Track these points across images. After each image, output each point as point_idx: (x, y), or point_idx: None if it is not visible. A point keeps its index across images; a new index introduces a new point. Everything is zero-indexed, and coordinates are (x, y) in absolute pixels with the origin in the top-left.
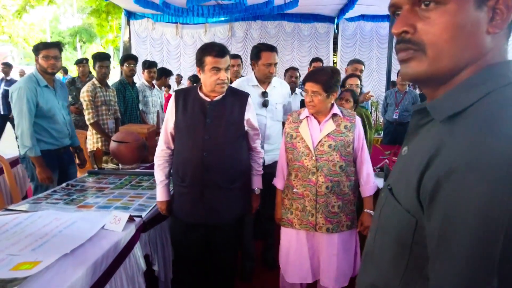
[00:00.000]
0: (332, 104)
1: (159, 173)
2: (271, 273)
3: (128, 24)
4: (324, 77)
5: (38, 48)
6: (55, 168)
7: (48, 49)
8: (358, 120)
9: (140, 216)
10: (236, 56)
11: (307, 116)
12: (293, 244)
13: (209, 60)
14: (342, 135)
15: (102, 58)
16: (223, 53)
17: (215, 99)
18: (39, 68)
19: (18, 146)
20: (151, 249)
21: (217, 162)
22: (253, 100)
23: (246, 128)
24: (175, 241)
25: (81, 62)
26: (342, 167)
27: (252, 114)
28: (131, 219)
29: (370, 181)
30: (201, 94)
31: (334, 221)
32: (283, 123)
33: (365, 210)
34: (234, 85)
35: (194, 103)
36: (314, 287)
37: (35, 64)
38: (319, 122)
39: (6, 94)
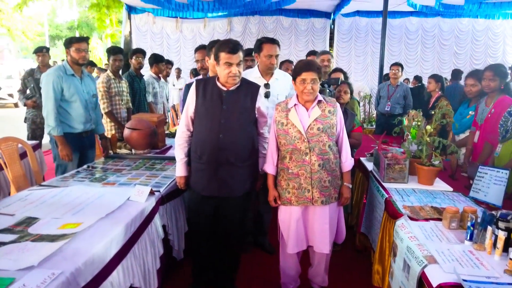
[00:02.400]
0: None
1: (180, 151)
2: (271, 258)
3: (129, 18)
4: (315, 66)
5: (71, 42)
6: (77, 150)
7: (80, 43)
8: (338, 105)
9: (159, 191)
10: (249, 53)
11: (295, 104)
12: (292, 219)
13: (223, 55)
14: (328, 119)
15: (115, 52)
16: (235, 50)
17: (231, 88)
18: (69, 59)
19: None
20: (168, 221)
21: (231, 143)
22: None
23: (256, 114)
24: (190, 211)
25: (40, 51)
26: (330, 146)
27: (262, 103)
28: (151, 192)
29: (348, 158)
30: (218, 84)
31: (326, 194)
32: None
33: (344, 184)
34: None
35: (213, 91)
36: (307, 261)
37: (66, 56)
38: (307, 109)
39: None
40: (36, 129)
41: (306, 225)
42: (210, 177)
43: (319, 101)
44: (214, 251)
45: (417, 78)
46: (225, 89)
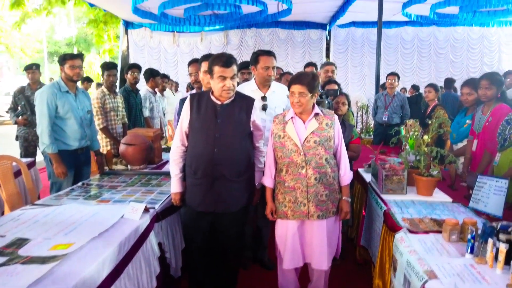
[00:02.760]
0: (314, 105)
1: (175, 167)
2: (270, 274)
3: (126, 33)
4: (307, 79)
5: (65, 59)
6: (72, 167)
7: (74, 60)
8: (336, 118)
9: (154, 208)
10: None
11: (292, 117)
12: (288, 234)
13: (217, 69)
14: (325, 131)
15: (109, 67)
16: (229, 63)
17: (225, 102)
18: (64, 76)
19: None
20: (164, 238)
21: (226, 157)
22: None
23: (251, 128)
24: (185, 227)
25: (30, 68)
26: (327, 159)
27: (257, 116)
28: (146, 209)
29: (347, 171)
30: (213, 98)
31: (323, 209)
32: None
33: (343, 198)
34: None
35: (207, 105)
36: (306, 277)
37: (60, 73)
38: (303, 121)
39: None
40: (28, 147)
41: (303, 241)
42: (205, 192)
43: (316, 114)
44: (211, 267)
45: (415, 87)
46: (219, 103)
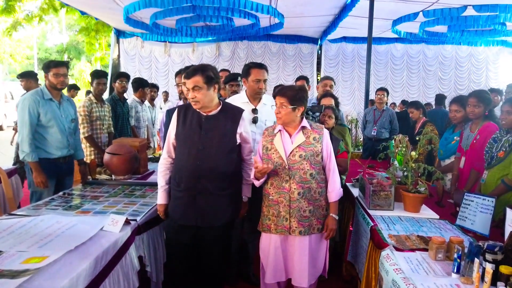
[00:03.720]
0: (302, 118)
1: (161, 179)
2: None
3: (118, 42)
4: (290, 92)
5: (49, 66)
6: (53, 176)
7: (58, 68)
8: (326, 132)
9: (135, 220)
10: (234, 78)
11: (280, 130)
12: (270, 248)
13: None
14: (311, 146)
15: (99, 76)
16: (189, 75)
17: (210, 113)
18: (48, 84)
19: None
20: (145, 251)
21: (209, 170)
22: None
23: (239, 140)
24: (168, 239)
25: (22, 77)
26: (313, 174)
27: (245, 128)
28: (127, 221)
29: (336, 188)
30: (199, 110)
31: (305, 225)
32: None
33: (330, 214)
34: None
35: (193, 116)
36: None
37: (44, 80)
38: (290, 135)
39: None
40: None
41: (286, 256)
42: (188, 205)
43: (303, 127)
44: (193, 283)
45: (404, 103)
46: (204, 114)
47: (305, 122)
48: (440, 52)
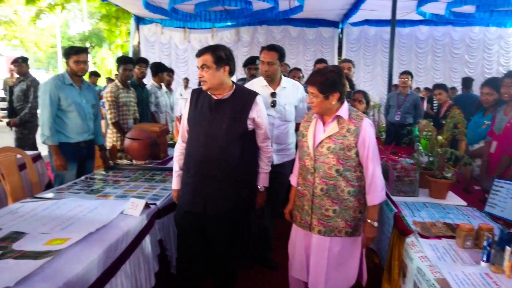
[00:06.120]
0: (341, 104)
1: (175, 164)
2: (274, 275)
3: (137, 29)
4: (319, 79)
5: (69, 53)
6: (74, 160)
7: (78, 55)
8: (365, 124)
9: (155, 204)
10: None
11: (316, 117)
12: (297, 240)
13: None
14: (343, 139)
15: (126, 61)
16: (199, 53)
17: (220, 97)
18: (69, 70)
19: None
20: (165, 235)
21: (217, 156)
22: (263, 100)
23: (251, 126)
24: (177, 226)
25: (16, 62)
26: (339, 171)
27: (258, 113)
28: (147, 205)
29: (374, 190)
30: (210, 92)
31: (327, 225)
32: (298, 124)
33: (368, 221)
34: (247, 85)
35: (204, 100)
36: None
37: (65, 66)
38: (324, 123)
39: None
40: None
41: (307, 254)
42: (194, 191)
43: (338, 116)
44: (204, 269)
45: (429, 90)
46: (215, 98)
47: (342, 110)
48: (468, 34)
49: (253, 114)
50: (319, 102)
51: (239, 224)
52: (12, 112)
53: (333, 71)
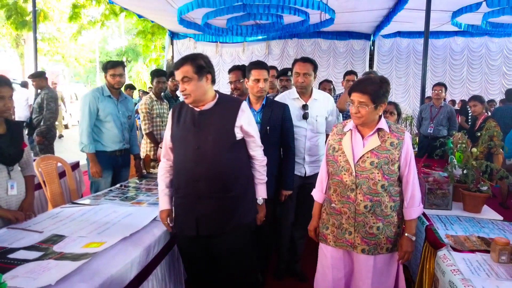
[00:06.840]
0: (380, 117)
1: (161, 182)
2: (303, 286)
3: (172, 43)
4: (372, 87)
5: (107, 67)
6: (109, 168)
7: (114, 68)
8: (407, 137)
9: None
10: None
11: (351, 129)
12: (327, 262)
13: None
14: (387, 152)
15: (159, 74)
16: (177, 65)
17: (204, 108)
18: (107, 83)
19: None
20: None
21: (207, 172)
22: (294, 112)
23: (240, 135)
24: (180, 253)
25: (33, 77)
26: (384, 186)
27: (246, 120)
28: None
29: (414, 204)
30: (192, 105)
31: (371, 243)
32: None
33: (406, 234)
34: (278, 98)
35: (186, 114)
36: None
37: (104, 80)
38: (363, 137)
39: None
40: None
41: (347, 274)
42: (186, 213)
43: (379, 129)
44: None
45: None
46: (197, 109)
47: (383, 123)
48: (505, 45)
49: (240, 122)
50: (368, 112)
51: (244, 241)
52: (30, 127)
53: (385, 81)
